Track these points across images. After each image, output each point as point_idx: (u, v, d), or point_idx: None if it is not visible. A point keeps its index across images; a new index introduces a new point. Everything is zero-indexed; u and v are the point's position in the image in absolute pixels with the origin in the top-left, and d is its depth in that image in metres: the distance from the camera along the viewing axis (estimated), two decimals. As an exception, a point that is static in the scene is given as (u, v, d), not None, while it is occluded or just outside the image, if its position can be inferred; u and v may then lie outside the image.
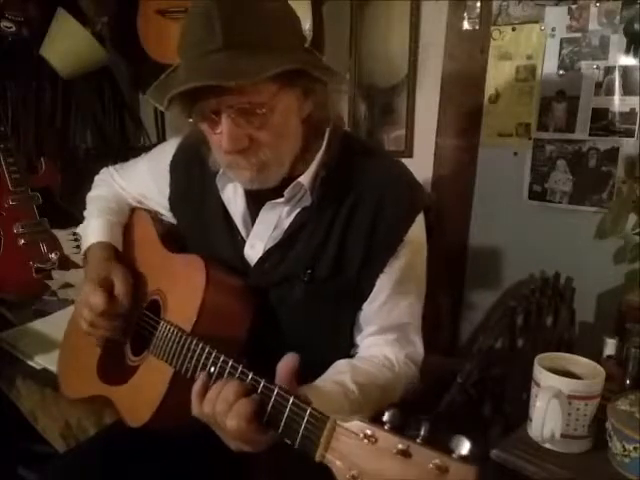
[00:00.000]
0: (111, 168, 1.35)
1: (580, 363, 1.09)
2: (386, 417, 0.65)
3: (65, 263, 1.89)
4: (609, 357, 1.28)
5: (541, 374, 1.04)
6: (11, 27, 2.08)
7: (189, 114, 0.94)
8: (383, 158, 1.09)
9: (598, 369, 1.06)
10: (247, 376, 0.81)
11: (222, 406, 0.79)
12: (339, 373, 0.96)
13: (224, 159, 0.97)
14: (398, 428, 0.65)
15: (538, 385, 1.05)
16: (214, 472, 1.05)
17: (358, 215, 1.00)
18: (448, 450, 0.61)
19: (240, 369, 0.82)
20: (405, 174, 1.07)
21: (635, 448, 0.95)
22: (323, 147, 1.02)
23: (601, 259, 1.66)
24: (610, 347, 1.29)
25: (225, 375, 0.84)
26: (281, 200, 1.01)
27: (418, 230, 1.04)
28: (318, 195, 1.00)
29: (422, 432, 0.63)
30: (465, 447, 0.60)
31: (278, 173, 0.98)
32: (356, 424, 0.66)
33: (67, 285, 1.80)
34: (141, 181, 1.27)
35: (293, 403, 0.74)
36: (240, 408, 0.77)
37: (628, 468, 0.97)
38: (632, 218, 1.54)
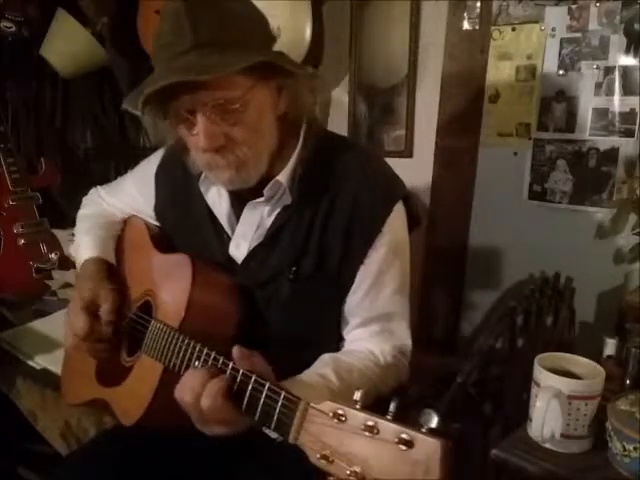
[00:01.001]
0: (99, 187, 1.36)
1: (580, 363, 1.09)
2: (357, 396, 0.66)
3: (65, 263, 1.89)
4: (609, 357, 1.28)
5: (541, 374, 1.04)
6: (11, 27, 2.08)
7: (165, 116, 0.95)
8: (358, 152, 1.10)
9: (598, 369, 1.06)
10: (228, 366, 0.82)
11: (192, 394, 0.80)
12: (322, 366, 0.97)
13: (202, 159, 0.98)
14: (370, 407, 0.65)
15: (538, 385, 1.05)
16: (215, 472, 1.05)
17: (336, 210, 1.01)
18: (418, 425, 0.61)
19: (222, 360, 0.83)
20: (379, 167, 1.09)
21: (635, 448, 0.95)
22: (299, 145, 1.03)
23: (601, 259, 1.66)
24: (610, 347, 1.29)
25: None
26: (262, 199, 1.02)
27: (396, 220, 1.05)
28: (297, 193, 1.01)
29: (391, 409, 0.63)
30: (433, 421, 0.60)
31: (256, 171, 0.99)
32: (327, 404, 0.67)
33: (67, 285, 1.80)
34: (128, 196, 1.28)
35: (269, 388, 0.75)
36: (212, 387, 0.78)
37: (628, 468, 0.97)
38: (632, 218, 1.54)
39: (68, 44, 2.11)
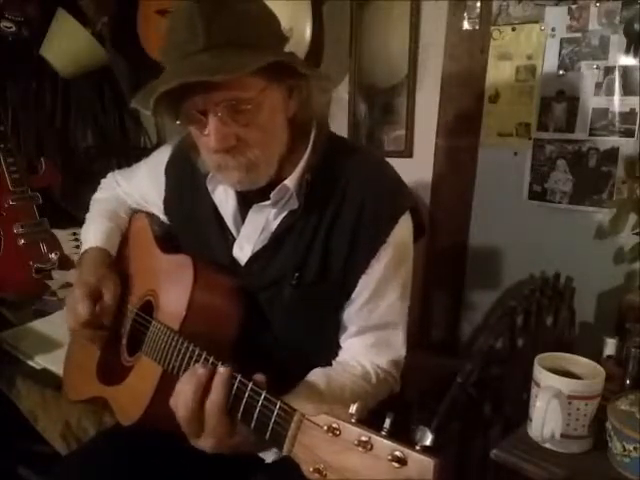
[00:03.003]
0: (116, 172, 1.37)
1: (580, 363, 1.09)
2: (353, 410, 0.66)
3: (65, 263, 1.89)
4: (609, 357, 1.28)
5: (541, 374, 1.04)
6: (11, 27, 2.08)
7: (176, 116, 0.94)
8: (367, 159, 1.09)
9: (598, 369, 1.06)
10: None
11: (192, 399, 0.81)
12: (314, 385, 0.96)
13: (213, 160, 0.97)
14: (365, 421, 0.65)
15: (538, 385, 1.05)
16: (215, 472, 1.05)
17: (342, 218, 1.00)
18: (412, 442, 0.61)
19: (217, 366, 0.83)
20: (388, 175, 1.07)
21: (635, 448, 0.95)
22: (309, 149, 1.02)
23: (601, 259, 1.66)
24: (610, 347, 1.29)
25: None
26: (268, 203, 1.02)
27: (402, 231, 1.04)
28: (304, 198, 1.00)
29: (386, 424, 0.63)
30: (427, 438, 0.60)
31: (266, 173, 0.99)
32: (322, 417, 0.67)
33: (67, 285, 1.80)
34: (141, 184, 1.29)
35: (265, 397, 0.75)
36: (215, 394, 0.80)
37: (628, 468, 0.97)
38: (632, 218, 1.54)
39: (68, 44, 2.10)
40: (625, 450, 0.97)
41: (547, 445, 1.05)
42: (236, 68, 0.86)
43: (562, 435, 1.01)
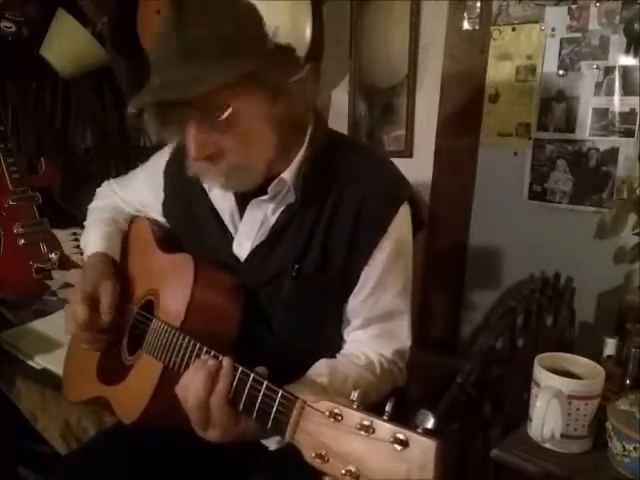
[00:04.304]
0: (112, 180, 1.38)
1: (580, 363, 1.09)
2: (354, 396, 0.66)
3: (65, 263, 1.89)
4: (609, 357, 1.28)
5: (541, 374, 1.04)
6: (11, 27, 2.08)
7: (164, 123, 0.94)
8: (365, 152, 1.10)
9: (598, 369, 1.06)
10: None
11: (199, 391, 0.81)
12: (317, 376, 0.96)
13: (195, 166, 0.98)
14: (367, 407, 0.65)
15: (538, 385, 1.05)
16: (216, 471, 1.05)
17: (341, 209, 1.01)
18: (414, 425, 0.61)
19: (221, 359, 0.84)
20: (386, 167, 1.08)
21: (635, 448, 0.95)
22: (305, 143, 1.02)
23: (601, 259, 1.66)
24: (610, 347, 1.29)
25: None
26: (266, 197, 1.02)
27: (402, 222, 1.04)
28: (302, 191, 1.00)
29: (388, 408, 0.63)
30: (429, 421, 0.61)
31: (251, 177, 0.98)
32: (324, 404, 0.68)
33: (67, 285, 1.80)
34: (139, 189, 1.29)
35: (266, 387, 0.76)
36: (220, 387, 0.80)
37: (628, 468, 0.97)
38: (632, 218, 1.54)
39: (68, 44, 2.11)
40: (625, 450, 0.97)
41: (547, 445, 1.05)
42: (195, 85, 0.84)
43: (562, 435, 1.01)
